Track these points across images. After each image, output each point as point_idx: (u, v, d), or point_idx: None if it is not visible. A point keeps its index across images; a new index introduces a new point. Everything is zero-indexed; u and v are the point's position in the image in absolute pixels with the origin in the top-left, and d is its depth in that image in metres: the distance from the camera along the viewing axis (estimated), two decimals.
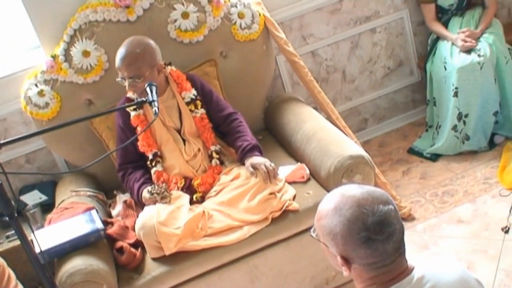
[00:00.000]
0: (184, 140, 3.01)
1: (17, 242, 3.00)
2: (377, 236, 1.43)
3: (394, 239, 1.45)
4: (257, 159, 2.88)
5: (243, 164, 2.92)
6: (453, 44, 3.66)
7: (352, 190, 1.50)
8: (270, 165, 2.83)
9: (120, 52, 2.84)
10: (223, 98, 3.20)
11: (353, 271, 1.51)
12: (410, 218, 3.32)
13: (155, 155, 2.98)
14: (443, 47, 3.70)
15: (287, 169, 2.99)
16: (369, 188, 1.52)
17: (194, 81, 3.07)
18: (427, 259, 1.64)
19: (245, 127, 3.06)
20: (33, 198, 3.34)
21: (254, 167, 2.83)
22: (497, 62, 3.59)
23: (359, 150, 2.81)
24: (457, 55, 3.60)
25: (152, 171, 2.98)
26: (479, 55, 3.53)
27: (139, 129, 2.96)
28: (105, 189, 3.31)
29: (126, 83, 2.84)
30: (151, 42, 2.91)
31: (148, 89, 2.56)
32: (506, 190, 3.31)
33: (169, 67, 3.05)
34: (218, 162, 2.99)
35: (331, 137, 2.97)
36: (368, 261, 1.47)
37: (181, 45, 3.31)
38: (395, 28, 3.98)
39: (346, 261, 1.49)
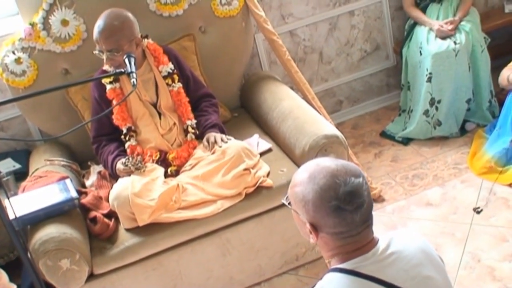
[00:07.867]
0: (159, 114, 3.01)
1: None
2: (346, 206, 1.50)
3: (362, 211, 1.52)
4: (214, 133, 2.93)
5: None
6: (430, 30, 3.70)
7: (327, 162, 1.58)
8: (225, 137, 2.90)
9: (98, 24, 2.80)
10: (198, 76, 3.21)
11: (320, 239, 1.57)
12: (380, 199, 3.38)
13: (129, 129, 2.98)
14: (420, 33, 3.74)
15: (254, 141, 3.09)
16: (344, 161, 1.59)
17: (170, 54, 3.07)
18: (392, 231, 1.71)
19: (216, 111, 3.10)
20: (6, 166, 3.30)
21: (208, 138, 2.90)
22: (472, 50, 3.65)
23: (333, 130, 2.85)
24: (433, 41, 3.65)
25: (126, 145, 2.98)
26: (455, 42, 3.58)
27: (114, 102, 2.95)
28: (79, 159, 3.31)
29: (104, 56, 2.82)
30: (130, 15, 2.88)
31: (126, 61, 2.57)
32: (475, 176, 3.39)
33: (146, 40, 3.02)
34: (193, 136, 3.00)
35: (307, 116, 3.00)
36: (335, 230, 1.53)
37: (160, 18, 3.30)
38: (373, 12, 4.01)
39: (315, 229, 1.55)
